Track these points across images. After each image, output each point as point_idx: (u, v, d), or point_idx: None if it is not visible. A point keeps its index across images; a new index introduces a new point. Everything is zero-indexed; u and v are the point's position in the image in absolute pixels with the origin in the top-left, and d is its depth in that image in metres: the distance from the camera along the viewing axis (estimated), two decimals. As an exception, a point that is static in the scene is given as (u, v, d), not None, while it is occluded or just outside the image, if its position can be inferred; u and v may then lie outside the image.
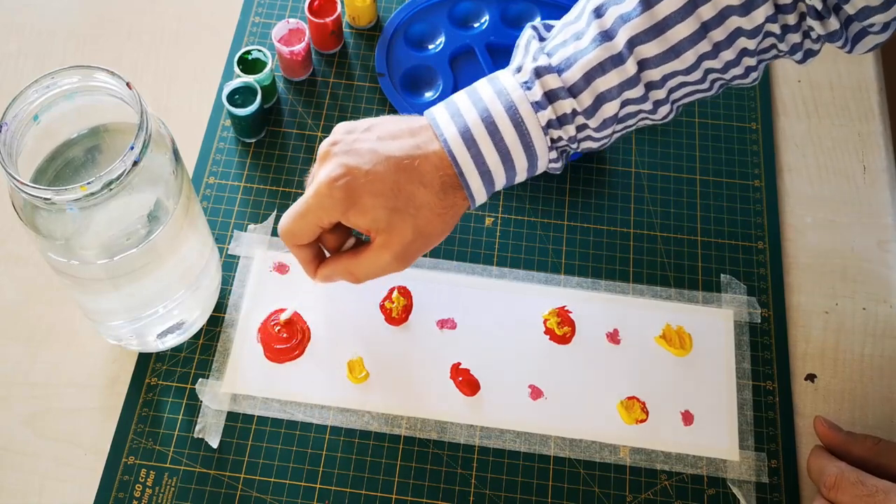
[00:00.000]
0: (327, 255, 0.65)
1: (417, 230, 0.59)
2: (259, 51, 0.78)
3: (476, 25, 0.84)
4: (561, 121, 0.59)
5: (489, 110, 0.59)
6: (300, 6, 0.86)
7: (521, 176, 0.61)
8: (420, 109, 0.79)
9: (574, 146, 0.62)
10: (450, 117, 0.59)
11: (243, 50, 0.78)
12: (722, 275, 0.74)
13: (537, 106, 0.59)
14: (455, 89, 0.80)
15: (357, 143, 0.59)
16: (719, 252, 0.75)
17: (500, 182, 0.61)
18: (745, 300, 0.72)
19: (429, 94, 0.81)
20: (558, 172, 0.64)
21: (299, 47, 0.79)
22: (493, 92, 0.60)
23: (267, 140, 0.79)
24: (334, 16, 0.81)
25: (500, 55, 0.83)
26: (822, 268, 0.75)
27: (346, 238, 0.64)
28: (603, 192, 0.77)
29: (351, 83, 0.82)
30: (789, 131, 0.81)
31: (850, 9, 0.56)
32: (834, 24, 0.57)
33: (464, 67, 0.82)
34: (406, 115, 0.62)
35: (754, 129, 0.81)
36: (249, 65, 0.78)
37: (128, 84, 0.55)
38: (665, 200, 0.77)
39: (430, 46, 0.83)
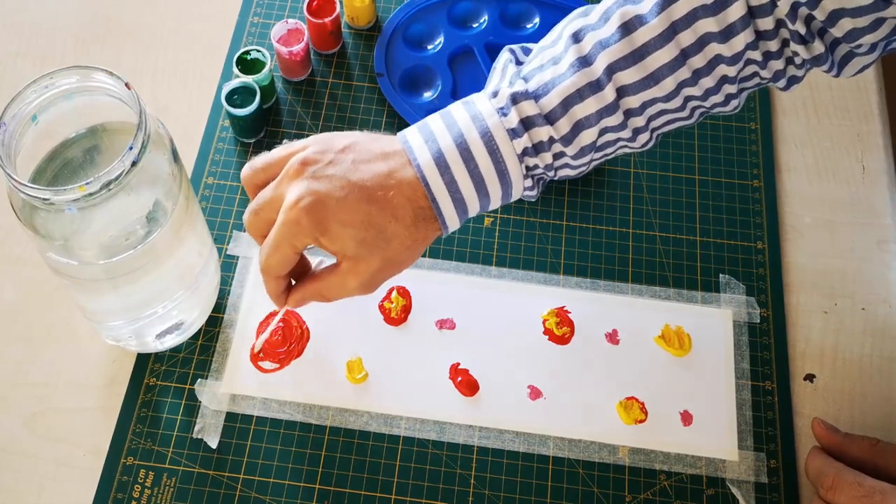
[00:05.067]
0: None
1: (385, 261, 0.58)
2: (258, 51, 0.78)
3: (475, 25, 0.84)
4: (537, 148, 0.58)
5: (464, 136, 0.57)
6: (299, 6, 0.86)
7: (494, 203, 0.60)
8: (419, 109, 0.79)
9: (550, 174, 0.60)
10: (423, 141, 0.58)
11: (242, 50, 0.78)
12: (721, 275, 0.74)
13: (513, 133, 0.57)
14: (454, 89, 0.81)
15: (331, 166, 0.57)
16: (718, 252, 0.75)
17: (473, 209, 0.59)
18: (744, 300, 0.72)
19: (427, 95, 0.81)
20: (533, 200, 0.62)
21: (298, 47, 0.79)
22: (468, 117, 0.58)
23: (266, 140, 0.79)
24: (333, 16, 0.81)
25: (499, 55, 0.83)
26: (822, 268, 0.75)
27: (307, 265, 0.63)
28: (602, 193, 0.77)
29: (350, 83, 0.82)
30: (788, 131, 0.81)
31: (836, 31, 0.54)
32: (819, 47, 0.56)
33: (462, 67, 0.82)
34: (381, 135, 0.60)
35: (753, 129, 0.81)
36: (248, 65, 0.78)
37: (126, 84, 0.55)
38: (664, 201, 0.77)
39: (429, 46, 0.83)
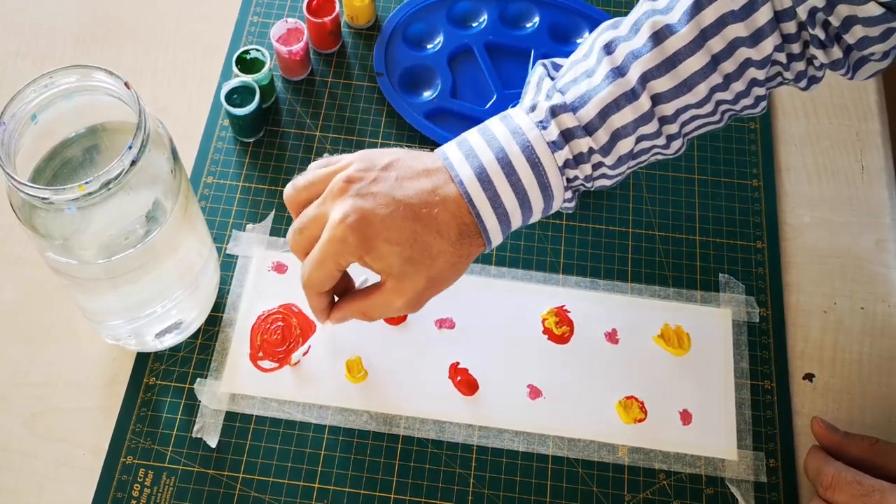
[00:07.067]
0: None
1: (430, 279, 0.58)
2: (257, 50, 0.78)
3: (475, 25, 0.84)
4: (577, 160, 0.59)
5: (504, 150, 0.57)
6: (298, 6, 0.86)
7: (536, 216, 0.60)
8: (418, 109, 0.79)
9: (588, 184, 0.61)
10: (464, 157, 0.58)
11: (242, 49, 0.78)
12: (720, 274, 0.74)
13: (554, 146, 0.58)
14: (454, 89, 0.81)
15: (375, 183, 0.57)
16: (718, 251, 0.75)
17: (516, 223, 0.59)
18: (743, 299, 0.72)
19: (427, 94, 0.81)
20: (570, 212, 0.63)
21: (298, 47, 0.79)
22: (507, 131, 0.58)
23: (265, 140, 0.79)
24: (333, 15, 0.81)
25: (498, 54, 0.83)
26: (821, 267, 0.75)
27: (350, 282, 0.63)
28: (602, 192, 0.77)
29: (349, 83, 0.82)
30: (788, 131, 0.81)
31: (849, 38, 0.56)
32: (836, 52, 0.57)
33: (462, 67, 0.82)
34: (422, 152, 0.60)
35: (753, 128, 0.81)
36: (248, 64, 0.78)
37: (126, 83, 0.55)
38: (664, 200, 0.77)
39: (429, 46, 0.83)
